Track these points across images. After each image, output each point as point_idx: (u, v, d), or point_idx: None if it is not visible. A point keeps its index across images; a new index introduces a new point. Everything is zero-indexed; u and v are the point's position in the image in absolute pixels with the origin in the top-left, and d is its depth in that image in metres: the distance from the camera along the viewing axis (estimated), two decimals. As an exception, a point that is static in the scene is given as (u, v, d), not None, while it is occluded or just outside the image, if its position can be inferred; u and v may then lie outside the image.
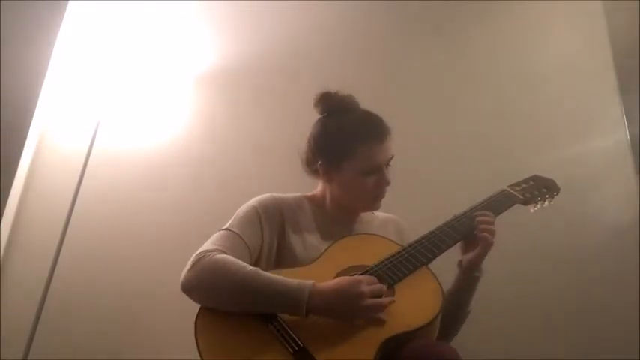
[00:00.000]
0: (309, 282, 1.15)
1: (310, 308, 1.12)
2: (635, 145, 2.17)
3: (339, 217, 1.44)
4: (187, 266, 1.20)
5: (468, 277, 1.35)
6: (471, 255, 1.33)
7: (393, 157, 1.40)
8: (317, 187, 1.50)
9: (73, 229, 2.05)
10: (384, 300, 1.14)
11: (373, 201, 1.42)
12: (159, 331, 2.00)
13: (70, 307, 2.04)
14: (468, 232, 1.34)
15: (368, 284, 1.15)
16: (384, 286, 1.17)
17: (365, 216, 1.50)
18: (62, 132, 2.28)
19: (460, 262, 1.36)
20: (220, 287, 1.17)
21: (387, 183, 1.39)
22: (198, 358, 1.07)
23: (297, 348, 1.06)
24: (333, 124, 1.43)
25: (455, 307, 1.34)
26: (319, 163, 1.41)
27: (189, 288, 1.19)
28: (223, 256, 1.20)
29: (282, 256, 1.32)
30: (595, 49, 2.31)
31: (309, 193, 1.50)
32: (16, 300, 2.03)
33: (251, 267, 1.19)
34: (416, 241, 1.32)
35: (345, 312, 1.13)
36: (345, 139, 1.38)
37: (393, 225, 1.51)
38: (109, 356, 1.98)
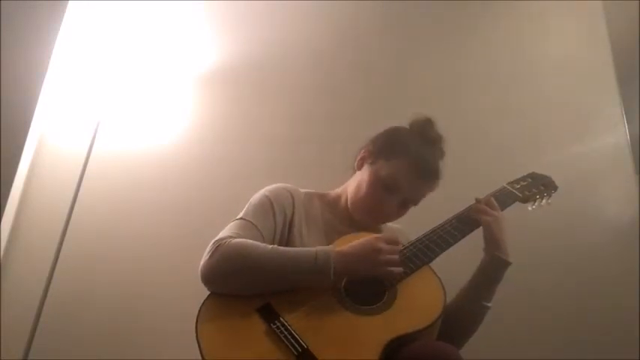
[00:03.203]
0: (329, 247, 1.20)
1: (337, 270, 1.16)
2: (635, 145, 2.17)
3: (346, 218, 1.43)
4: (206, 255, 1.20)
5: (489, 258, 1.31)
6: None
7: (416, 203, 1.40)
8: (336, 189, 1.49)
9: (73, 229, 2.04)
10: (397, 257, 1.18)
11: (368, 211, 1.38)
12: (159, 331, 2.00)
13: (70, 308, 2.03)
14: (469, 229, 1.34)
15: (386, 242, 1.19)
16: (399, 247, 1.22)
17: None
18: (62, 132, 2.27)
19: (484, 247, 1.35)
20: (245, 269, 1.17)
21: (391, 212, 1.38)
22: (199, 358, 1.06)
23: (300, 350, 1.06)
24: (405, 134, 1.42)
25: (471, 299, 1.32)
26: (365, 147, 1.43)
27: (211, 276, 1.18)
28: (241, 239, 1.21)
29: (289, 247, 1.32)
30: (595, 49, 2.32)
31: (321, 192, 1.50)
32: (16, 300, 2.02)
33: (270, 245, 1.21)
34: (417, 240, 1.32)
35: (365, 267, 1.18)
36: (397, 146, 1.38)
37: (400, 236, 1.48)
38: (109, 356, 1.97)
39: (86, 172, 2.11)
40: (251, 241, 1.21)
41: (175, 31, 2.40)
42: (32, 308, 1.93)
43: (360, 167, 1.43)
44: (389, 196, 1.36)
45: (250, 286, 1.18)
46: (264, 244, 1.21)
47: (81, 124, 2.25)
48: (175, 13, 2.42)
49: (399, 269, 1.19)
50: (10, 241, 2.11)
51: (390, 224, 1.53)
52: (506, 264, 1.31)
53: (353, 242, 1.21)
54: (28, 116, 2.09)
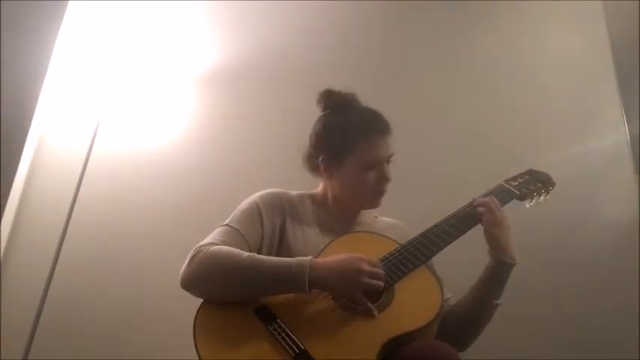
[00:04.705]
0: (308, 257, 1.17)
1: (312, 282, 1.14)
2: (635, 145, 2.17)
3: (340, 216, 1.44)
4: (185, 263, 1.21)
5: (493, 263, 1.32)
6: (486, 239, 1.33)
7: (393, 153, 1.40)
8: (319, 186, 1.50)
9: (73, 229, 2.05)
10: (381, 283, 1.16)
11: (373, 197, 1.41)
12: (159, 331, 2.00)
13: (70, 308, 2.04)
14: (466, 227, 1.34)
15: (369, 264, 1.17)
16: (383, 273, 1.18)
17: (367, 217, 1.50)
18: (62, 132, 2.28)
19: (488, 250, 1.35)
20: (219, 276, 1.17)
21: (388, 179, 1.39)
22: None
23: (298, 351, 1.06)
24: (335, 121, 1.43)
25: (480, 298, 1.33)
26: (320, 159, 1.41)
27: (188, 284, 1.19)
28: (219, 247, 1.21)
29: (281, 253, 1.32)
30: (595, 49, 2.31)
31: (310, 192, 1.50)
32: (16, 300, 2.03)
33: (247, 253, 1.20)
34: (413, 239, 1.32)
35: (344, 285, 1.15)
36: (347, 135, 1.38)
37: (397, 231, 1.49)
38: (109, 356, 1.98)
39: (86, 172, 2.11)
40: (228, 248, 1.21)
41: (175, 31, 2.40)
42: (32, 308, 1.93)
43: (330, 176, 1.43)
44: (378, 171, 1.38)
45: (227, 294, 1.18)
46: (240, 252, 1.20)
47: (81, 124, 2.25)
48: (175, 13, 2.42)
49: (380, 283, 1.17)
50: (10, 241, 2.12)
51: (388, 219, 1.55)
52: (511, 266, 1.32)
53: (337, 256, 1.20)
54: (28, 116, 2.09)
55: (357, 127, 1.38)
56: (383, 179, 1.39)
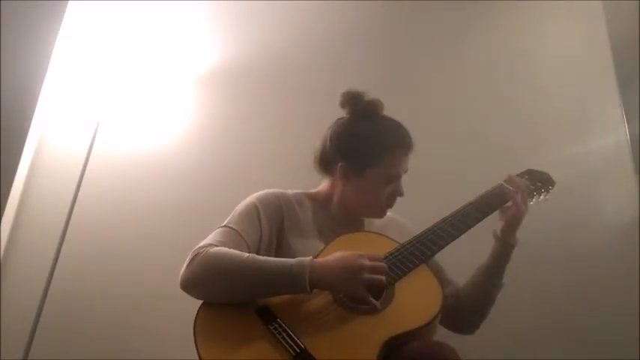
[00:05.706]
0: (308, 257, 1.17)
1: (313, 282, 1.14)
2: (635, 145, 2.17)
3: (340, 217, 1.44)
4: (184, 264, 1.21)
5: (501, 246, 1.39)
6: (502, 224, 1.40)
7: (407, 169, 1.43)
8: (321, 185, 1.49)
9: (73, 229, 2.04)
10: (382, 277, 1.16)
11: (382, 210, 1.44)
12: (159, 331, 2.00)
13: (70, 308, 2.03)
14: (465, 227, 1.36)
15: (370, 259, 1.17)
16: (385, 265, 1.19)
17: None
18: (62, 132, 2.28)
19: (495, 233, 1.41)
20: (219, 278, 1.17)
21: (401, 195, 1.42)
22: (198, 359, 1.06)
23: (298, 350, 1.06)
24: (362, 129, 1.42)
25: (489, 279, 1.40)
26: (340, 164, 1.40)
27: (188, 285, 1.19)
28: (218, 249, 1.21)
29: (281, 253, 1.31)
30: (595, 49, 2.31)
31: (310, 191, 1.49)
32: (16, 300, 2.02)
33: (247, 254, 1.20)
34: (414, 239, 1.33)
35: (345, 284, 1.15)
36: (375, 147, 1.39)
37: (395, 226, 1.50)
38: (109, 356, 1.98)
39: (86, 172, 2.11)
40: (226, 249, 1.21)
41: (175, 31, 2.40)
42: (32, 308, 1.93)
43: (346, 183, 1.42)
44: (395, 186, 1.40)
45: (228, 296, 1.18)
46: (240, 254, 1.20)
47: (81, 124, 2.25)
48: (175, 13, 2.42)
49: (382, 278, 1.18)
50: (10, 241, 2.11)
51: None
52: (514, 246, 1.40)
53: (336, 255, 1.19)
54: (28, 116, 2.09)
55: (386, 142, 1.40)
56: (397, 194, 1.41)
